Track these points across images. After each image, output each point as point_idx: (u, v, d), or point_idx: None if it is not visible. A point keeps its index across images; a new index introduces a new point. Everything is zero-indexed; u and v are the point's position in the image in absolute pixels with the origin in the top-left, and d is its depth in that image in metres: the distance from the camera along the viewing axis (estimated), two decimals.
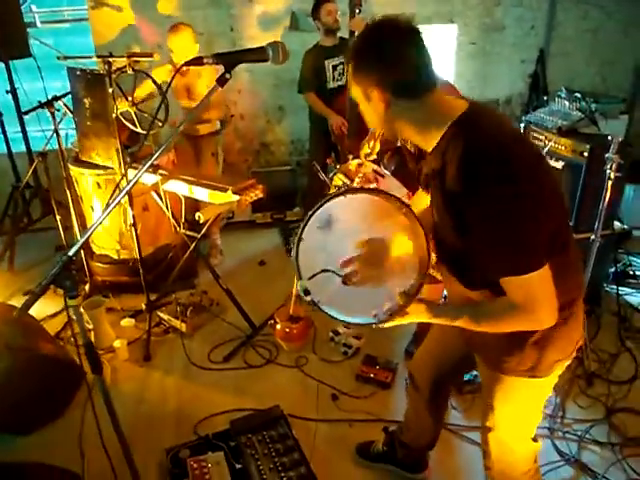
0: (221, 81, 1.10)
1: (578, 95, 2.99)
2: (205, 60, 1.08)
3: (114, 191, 2.84)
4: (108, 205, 1.27)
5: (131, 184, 1.26)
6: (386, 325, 1.33)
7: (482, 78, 4.75)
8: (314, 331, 2.93)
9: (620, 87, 4.97)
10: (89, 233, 1.21)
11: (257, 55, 1.13)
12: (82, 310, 2.68)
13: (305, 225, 1.31)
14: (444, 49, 4.60)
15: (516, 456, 1.56)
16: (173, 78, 1.20)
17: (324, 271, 1.33)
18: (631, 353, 2.76)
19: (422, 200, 2.25)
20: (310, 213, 1.31)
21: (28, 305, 1.17)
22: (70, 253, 1.17)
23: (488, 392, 1.49)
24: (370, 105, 1.23)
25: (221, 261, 3.79)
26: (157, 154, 1.26)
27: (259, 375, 2.69)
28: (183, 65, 1.08)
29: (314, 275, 1.33)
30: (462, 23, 4.56)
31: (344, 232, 1.34)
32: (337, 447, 2.24)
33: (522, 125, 3.27)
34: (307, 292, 1.33)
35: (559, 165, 2.97)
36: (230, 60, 1.10)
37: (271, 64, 1.16)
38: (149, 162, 1.24)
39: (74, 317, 1.26)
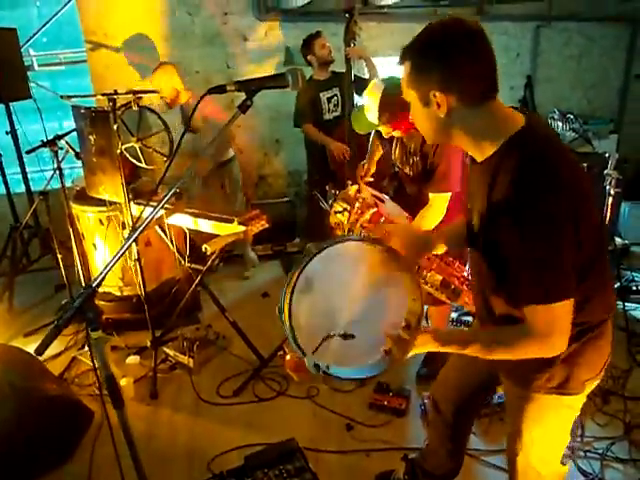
0: (243, 107, 1.12)
1: (571, 116, 3.07)
2: (228, 87, 1.10)
3: (124, 228, 2.87)
4: (128, 238, 1.27)
5: (147, 221, 1.25)
6: (397, 364, 1.32)
7: None
8: None
9: (606, 108, 5.13)
10: (112, 265, 1.19)
11: (277, 81, 1.15)
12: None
13: (290, 301, 1.29)
14: None
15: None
16: (196, 107, 1.22)
17: (325, 339, 1.32)
18: None
19: (430, 219, 2.26)
20: (287, 288, 1.31)
21: (51, 339, 1.15)
22: (94, 284, 1.16)
23: (515, 412, 1.44)
24: (427, 110, 1.17)
25: (253, 274, 4.02)
26: (172, 190, 1.25)
27: (270, 408, 2.64)
28: (206, 93, 1.09)
29: (317, 347, 1.32)
30: None
31: (328, 288, 1.35)
32: (355, 478, 2.19)
33: None
34: (317, 367, 1.32)
35: None
36: (251, 87, 1.12)
37: (290, 90, 1.18)
38: (165, 199, 1.23)
39: (96, 349, 1.23)
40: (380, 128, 2.30)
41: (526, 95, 4.97)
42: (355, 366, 1.36)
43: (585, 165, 2.82)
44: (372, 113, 2.25)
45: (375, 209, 2.26)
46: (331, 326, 1.34)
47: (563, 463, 1.53)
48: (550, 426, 1.42)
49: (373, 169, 2.77)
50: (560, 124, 3.20)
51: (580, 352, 1.27)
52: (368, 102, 2.27)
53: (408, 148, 2.37)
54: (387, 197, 2.48)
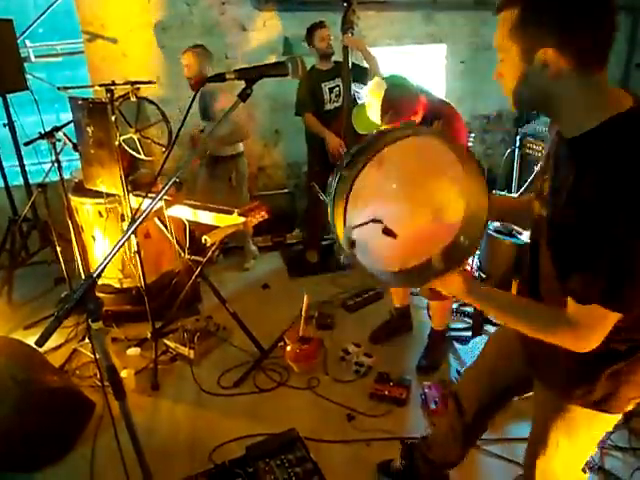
0: (243, 96, 1.11)
1: None
2: (227, 76, 1.09)
3: (123, 220, 2.85)
4: (127, 230, 1.26)
5: (146, 212, 1.24)
6: (421, 287, 1.22)
7: (473, 95, 4.85)
8: (324, 351, 2.90)
9: None
10: (111, 255, 1.19)
11: (278, 70, 1.14)
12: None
13: (363, 166, 1.10)
14: (434, 68, 4.70)
15: None
16: (195, 96, 1.21)
17: (373, 221, 1.14)
18: None
19: None
20: (368, 154, 1.11)
21: (51, 331, 1.14)
22: (94, 275, 1.15)
23: (544, 418, 1.36)
24: (527, 68, 1.01)
25: (253, 265, 4.01)
26: (170, 182, 1.24)
27: (271, 399, 2.64)
28: (205, 82, 1.08)
29: (361, 224, 1.13)
30: (451, 43, 4.68)
31: (396, 176, 1.16)
32: (356, 468, 2.19)
33: (519, 137, 3.32)
34: (353, 244, 1.13)
35: None
36: (251, 75, 1.11)
37: (291, 78, 1.16)
38: (163, 191, 1.22)
39: (97, 341, 1.23)
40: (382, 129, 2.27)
41: None
42: (380, 265, 1.20)
43: None
44: (374, 112, 2.23)
45: None
46: (382, 213, 1.16)
47: (584, 471, 1.48)
48: (580, 439, 1.34)
49: None
50: None
51: (629, 370, 1.18)
52: (370, 101, 2.24)
53: None
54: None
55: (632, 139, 0.97)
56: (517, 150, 3.34)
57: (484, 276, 3.35)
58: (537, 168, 1.29)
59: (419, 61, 4.59)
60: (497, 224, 3.30)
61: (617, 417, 1.29)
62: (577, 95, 1.02)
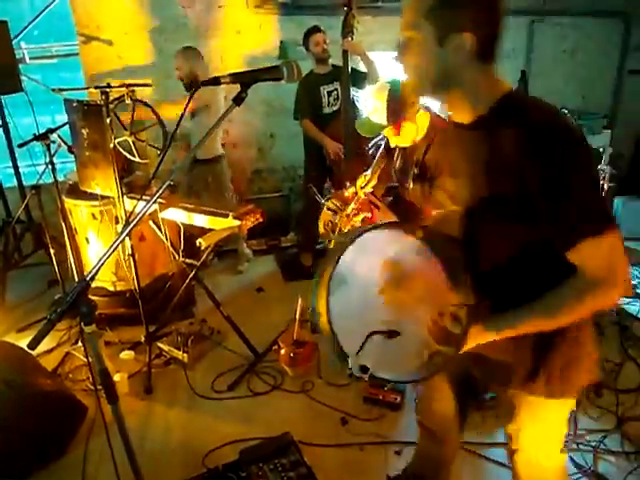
0: (237, 100, 1.11)
1: (565, 111, 3.07)
2: (222, 79, 1.09)
3: (117, 222, 2.85)
4: (121, 233, 1.26)
5: (141, 215, 1.23)
6: (450, 362, 1.16)
7: None
8: (319, 355, 2.89)
9: (600, 104, 5.14)
10: (105, 258, 1.18)
11: (272, 74, 1.14)
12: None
13: (328, 303, 1.11)
14: None
15: (547, 473, 1.48)
16: (190, 99, 1.21)
17: (370, 335, 1.13)
18: (635, 362, 2.78)
19: None
20: (321, 289, 1.13)
21: (43, 334, 1.13)
22: (87, 278, 1.15)
23: (512, 414, 1.40)
24: (439, 51, 1.05)
25: (246, 268, 4.03)
26: (166, 185, 1.24)
27: (265, 402, 2.64)
28: (201, 85, 1.09)
29: (362, 346, 1.12)
30: None
31: (362, 282, 1.16)
32: (350, 472, 2.19)
33: None
34: (365, 369, 1.11)
35: None
36: (246, 79, 1.11)
37: (285, 82, 1.16)
38: (158, 193, 1.22)
39: (90, 344, 1.22)
40: (386, 131, 2.28)
41: (520, 90, 4.98)
42: (401, 369, 1.17)
43: None
44: (380, 114, 2.23)
45: (369, 214, 2.25)
46: (369, 324, 1.15)
47: (562, 451, 1.50)
48: (549, 423, 1.39)
49: (374, 181, 2.75)
50: None
51: (577, 354, 1.24)
52: (375, 104, 2.25)
53: (410, 159, 2.35)
54: (383, 204, 2.47)
55: (534, 104, 1.08)
56: None
57: None
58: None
59: None
60: None
61: (575, 398, 1.34)
62: (478, 80, 1.10)
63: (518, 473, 1.50)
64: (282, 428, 2.28)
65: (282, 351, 2.77)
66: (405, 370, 1.18)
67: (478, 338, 1.14)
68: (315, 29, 3.61)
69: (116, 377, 2.67)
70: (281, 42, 4.26)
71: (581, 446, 2.25)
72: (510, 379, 1.31)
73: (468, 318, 1.11)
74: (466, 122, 1.15)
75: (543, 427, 1.40)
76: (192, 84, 3.43)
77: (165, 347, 2.97)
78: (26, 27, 4.21)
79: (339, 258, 1.13)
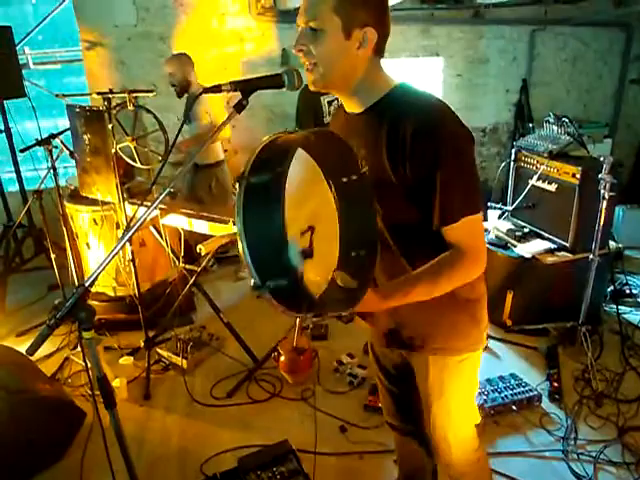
0: (238, 107, 1.11)
1: (566, 120, 3.08)
2: (223, 87, 1.10)
3: (118, 228, 2.85)
4: (122, 238, 1.25)
5: (141, 220, 1.23)
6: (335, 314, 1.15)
7: (469, 108, 4.89)
8: (318, 362, 2.88)
9: (601, 113, 5.16)
10: (105, 264, 1.18)
11: (274, 82, 1.14)
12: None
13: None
14: (431, 81, 4.74)
15: (470, 436, 1.56)
16: (192, 105, 1.21)
17: (310, 229, 1.02)
18: (636, 371, 2.76)
19: None
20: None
21: (42, 339, 1.13)
22: (86, 284, 1.14)
23: (435, 382, 1.44)
24: (344, 44, 1.14)
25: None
26: (166, 191, 1.24)
27: (264, 409, 2.62)
28: (202, 93, 1.09)
29: (303, 233, 1.01)
30: (447, 56, 4.73)
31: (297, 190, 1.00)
32: None
33: (513, 151, 3.35)
34: (308, 253, 1.00)
35: (552, 188, 3.04)
36: (247, 87, 1.11)
37: (286, 90, 1.17)
38: (158, 199, 1.21)
39: (88, 349, 1.22)
40: None
41: (522, 98, 5.00)
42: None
43: (580, 169, 2.84)
44: None
45: None
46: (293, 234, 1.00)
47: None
48: (469, 379, 1.48)
49: None
50: (555, 128, 3.20)
51: (478, 305, 1.39)
52: None
53: None
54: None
55: (415, 97, 1.19)
56: (512, 163, 3.36)
57: None
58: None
59: (415, 74, 4.63)
60: (492, 236, 3.32)
61: (480, 352, 1.45)
62: (375, 73, 1.21)
63: (448, 447, 1.52)
64: (281, 436, 2.27)
65: (282, 358, 2.76)
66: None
67: (370, 304, 1.17)
68: None
69: (115, 382, 2.67)
70: (283, 50, 4.28)
71: (581, 456, 2.23)
72: (432, 344, 1.39)
73: (365, 279, 1.14)
74: (357, 111, 1.25)
75: (465, 385, 1.48)
76: (184, 90, 3.46)
77: (164, 353, 2.97)
78: (30, 32, 4.24)
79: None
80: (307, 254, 1.01)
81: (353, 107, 1.27)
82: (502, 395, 2.49)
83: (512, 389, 2.54)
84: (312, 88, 1.24)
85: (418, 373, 1.49)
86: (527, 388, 2.55)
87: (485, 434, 2.34)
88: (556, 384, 2.63)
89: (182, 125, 1.17)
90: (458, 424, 1.52)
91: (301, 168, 1.05)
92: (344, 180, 1.15)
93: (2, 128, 3.66)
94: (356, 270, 1.11)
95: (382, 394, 1.75)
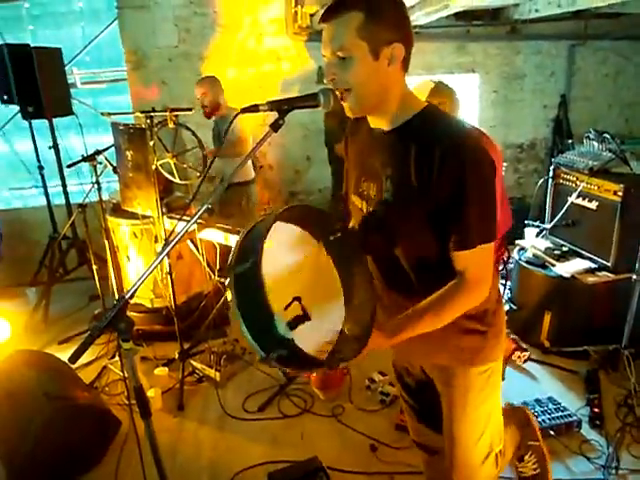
0: (275, 126, 1.14)
1: (607, 136, 3.00)
2: (261, 107, 1.13)
3: (156, 241, 2.93)
4: (161, 252, 1.29)
5: (180, 234, 1.26)
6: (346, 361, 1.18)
7: (505, 124, 4.83)
8: (350, 379, 2.87)
9: None
10: (145, 276, 1.22)
11: (309, 101, 1.16)
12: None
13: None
14: (467, 97, 4.72)
15: (491, 461, 1.54)
16: (231, 123, 1.25)
17: (295, 300, 1.14)
18: None
19: None
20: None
21: (83, 349, 1.17)
22: (126, 296, 1.19)
23: (458, 396, 1.43)
24: (376, 64, 1.14)
25: None
26: (204, 207, 1.26)
27: (295, 425, 2.62)
28: (239, 113, 1.12)
29: (288, 305, 1.12)
30: (483, 72, 4.69)
31: (280, 262, 1.17)
32: None
33: (552, 167, 3.28)
34: (293, 325, 1.09)
35: (593, 205, 2.96)
36: (284, 106, 1.14)
37: (322, 109, 1.19)
38: (197, 214, 1.24)
39: (126, 360, 1.25)
40: None
41: (560, 114, 4.91)
42: (311, 348, 1.10)
43: (622, 186, 2.76)
44: None
45: None
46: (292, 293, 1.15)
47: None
48: (492, 396, 1.47)
49: None
50: (596, 144, 3.12)
51: (497, 321, 1.40)
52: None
53: None
54: None
55: (449, 121, 1.22)
56: (550, 180, 3.29)
57: (515, 307, 3.28)
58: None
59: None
60: (529, 255, 3.25)
61: (501, 361, 1.47)
62: (403, 89, 1.22)
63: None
64: (311, 452, 2.27)
65: (313, 374, 2.76)
66: (313, 350, 1.11)
67: (380, 345, 1.20)
68: None
69: (150, 392, 2.73)
70: (319, 68, 4.35)
71: None
72: (455, 355, 1.39)
73: (367, 323, 1.18)
74: (384, 129, 1.25)
75: (488, 402, 1.46)
76: (214, 111, 3.54)
77: (198, 365, 3.01)
78: (78, 54, 4.46)
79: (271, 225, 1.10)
80: (300, 320, 1.12)
81: (381, 124, 1.26)
82: (539, 419, 2.41)
83: (550, 413, 2.46)
84: (350, 115, 1.25)
85: (441, 388, 1.48)
86: (566, 413, 2.46)
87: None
88: (597, 409, 2.53)
89: (220, 146, 1.20)
90: (482, 442, 1.49)
91: (287, 241, 1.21)
92: (331, 238, 1.25)
93: (51, 144, 3.84)
94: (361, 315, 1.21)
95: (406, 411, 1.74)
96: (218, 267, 2.88)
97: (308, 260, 1.26)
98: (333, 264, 1.27)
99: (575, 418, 2.44)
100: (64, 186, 3.97)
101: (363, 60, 1.13)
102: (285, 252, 1.22)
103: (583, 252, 3.07)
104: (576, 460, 2.29)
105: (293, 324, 1.10)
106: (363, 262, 1.29)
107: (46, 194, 3.99)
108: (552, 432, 2.38)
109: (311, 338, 1.12)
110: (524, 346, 3.03)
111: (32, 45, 3.56)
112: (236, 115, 1.14)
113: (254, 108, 1.14)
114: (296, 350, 1.05)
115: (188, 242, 2.94)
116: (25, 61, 3.47)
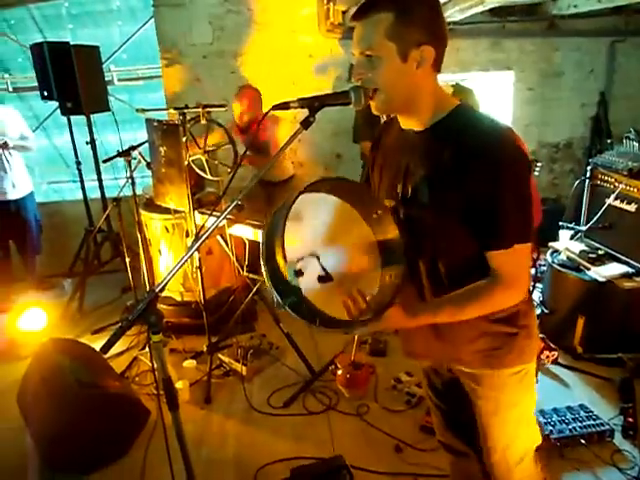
0: (305, 124, 1.14)
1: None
2: (291, 105, 1.13)
3: (187, 236, 2.98)
4: (191, 247, 1.32)
5: (210, 230, 1.28)
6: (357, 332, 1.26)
7: (541, 122, 4.71)
8: (375, 378, 2.86)
9: None
10: (175, 270, 1.24)
11: (340, 99, 1.16)
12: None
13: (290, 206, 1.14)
14: (501, 95, 4.62)
15: (530, 458, 1.49)
16: (263, 118, 1.27)
17: (312, 255, 1.19)
18: None
19: None
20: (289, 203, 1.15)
21: (115, 339, 1.20)
22: (157, 289, 1.21)
23: (489, 398, 1.40)
24: (404, 66, 1.13)
25: None
26: (234, 203, 1.28)
27: (319, 422, 2.63)
28: (270, 110, 1.13)
29: (302, 258, 1.18)
30: (519, 70, 4.59)
31: (315, 223, 1.25)
32: None
33: (589, 168, 3.19)
34: (300, 273, 1.16)
35: (632, 208, 2.86)
36: (314, 104, 1.14)
37: (353, 107, 1.18)
38: (227, 210, 1.26)
39: (156, 352, 1.28)
40: None
41: (599, 113, 4.75)
42: (324, 307, 1.14)
43: None
44: None
45: None
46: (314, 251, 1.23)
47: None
48: (523, 396, 1.42)
49: None
50: (636, 144, 3.01)
51: (529, 321, 1.35)
52: None
53: None
54: None
55: (482, 118, 1.20)
56: (587, 181, 3.19)
57: (547, 311, 3.20)
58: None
59: (486, 88, 4.53)
60: (563, 257, 3.16)
61: (534, 364, 1.42)
62: (435, 89, 1.21)
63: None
64: (335, 449, 2.27)
65: (339, 372, 2.76)
66: (328, 310, 1.14)
67: (394, 320, 1.20)
68: None
69: (178, 384, 2.78)
70: (350, 65, 4.33)
71: None
72: (486, 357, 1.36)
73: (388, 301, 1.19)
74: (416, 129, 1.24)
75: (516, 403, 1.41)
76: (252, 126, 3.48)
77: (225, 359, 3.05)
78: (116, 52, 4.57)
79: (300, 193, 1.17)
80: (323, 279, 1.20)
81: (412, 124, 1.25)
82: (570, 427, 2.35)
83: (581, 421, 2.39)
84: (376, 113, 1.25)
85: (470, 389, 1.45)
86: (598, 421, 2.39)
87: (550, 468, 2.21)
88: (631, 419, 2.44)
89: (251, 140, 1.21)
90: (517, 443, 1.46)
91: (330, 214, 1.29)
92: (374, 216, 1.29)
93: (88, 140, 3.94)
94: (381, 298, 1.23)
95: (432, 412, 1.72)
96: (247, 263, 2.90)
97: (347, 230, 1.30)
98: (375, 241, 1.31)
99: (607, 427, 2.37)
100: (100, 180, 4.08)
101: (391, 61, 1.13)
102: (327, 220, 1.28)
103: (620, 256, 2.98)
104: (607, 470, 2.22)
105: (299, 272, 1.16)
106: (400, 243, 1.28)
107: (83, 188, 4.11)
108: (583, 441, 2.31)
109: (330, 300, 1.17)
110: (552, 346, 2.95)
111: (71, 43, 3.65)
112: (267, 112, 1.15)
113: (285, 105, 1.14)
114: (302, 299, 1.12)
115: (218, 237, 2.97)
116: (64, 59, 3.57)
